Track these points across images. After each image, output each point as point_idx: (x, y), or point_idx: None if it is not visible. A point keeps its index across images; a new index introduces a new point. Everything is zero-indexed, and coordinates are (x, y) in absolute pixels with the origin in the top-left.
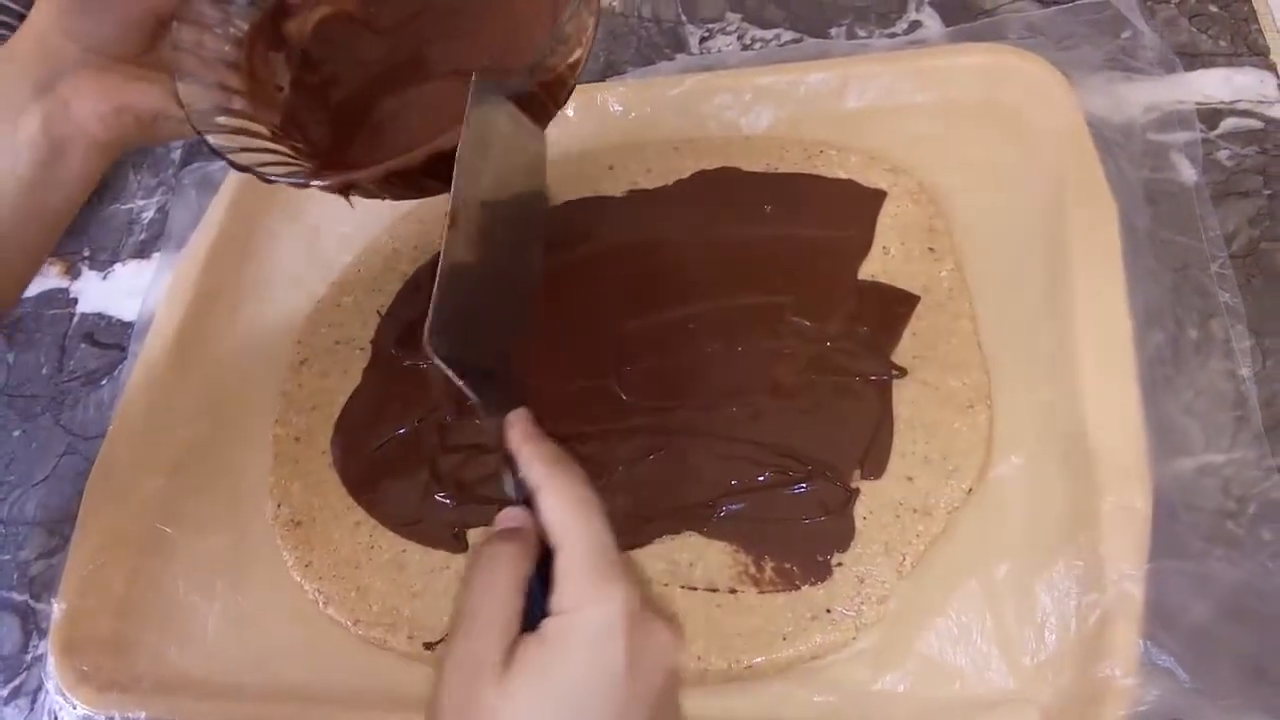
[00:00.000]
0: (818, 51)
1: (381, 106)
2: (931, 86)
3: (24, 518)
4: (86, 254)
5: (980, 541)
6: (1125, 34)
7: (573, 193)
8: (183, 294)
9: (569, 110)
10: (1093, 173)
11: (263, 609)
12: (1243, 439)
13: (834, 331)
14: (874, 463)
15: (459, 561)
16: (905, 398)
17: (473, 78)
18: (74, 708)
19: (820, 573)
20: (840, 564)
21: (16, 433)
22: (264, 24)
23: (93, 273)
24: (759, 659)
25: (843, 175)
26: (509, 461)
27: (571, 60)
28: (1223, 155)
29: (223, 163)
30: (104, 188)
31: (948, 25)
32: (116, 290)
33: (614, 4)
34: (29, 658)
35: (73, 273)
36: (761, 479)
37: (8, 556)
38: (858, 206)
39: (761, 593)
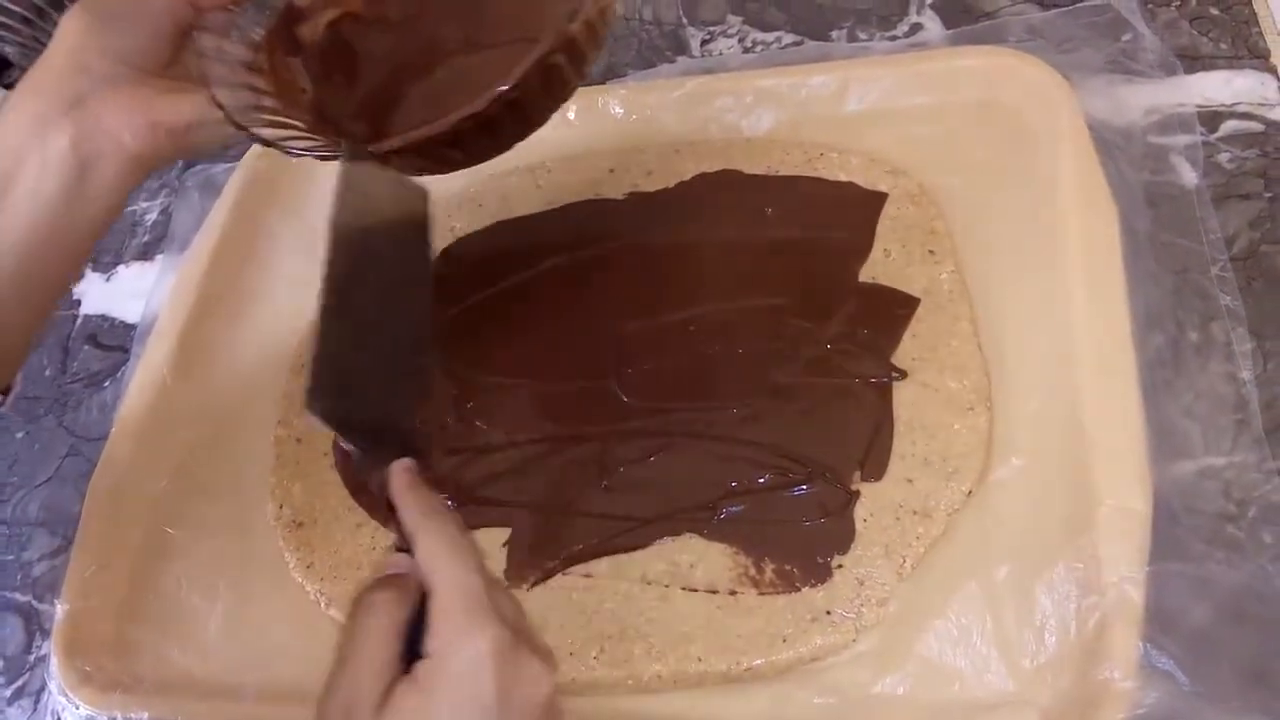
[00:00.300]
0: (819, 54)
1: (407, 92)
2: (932, 89)
3: (27, 519)
4: (90, 255)
5: (980, 544)
6: (1126, 36)
7: (573, 195)
8: (185, 296)
9: (569, 113)
10: (1093, 175)
11: (265, 610)
12: (1243, 442)
13: (834, 333)
14: (874, 465)
15: None
16: (905, 400)
17: (343, 145)
18: (77, 708)
19: (820, 575)
20: (840, 566)
21: (20, 434)
22: (278, 30)
23: (96, 274)
24: (759, 661)
25: (843, 177)
26: (391, 510)
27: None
28: (1223, 158)
29: (225, 165)
30: None
31: (948, 28)
32: (120, 292)
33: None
34: (32, 658)
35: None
36: (762, 481)
37: (11, 557)
38: (858, 208)
39: (761, 594)
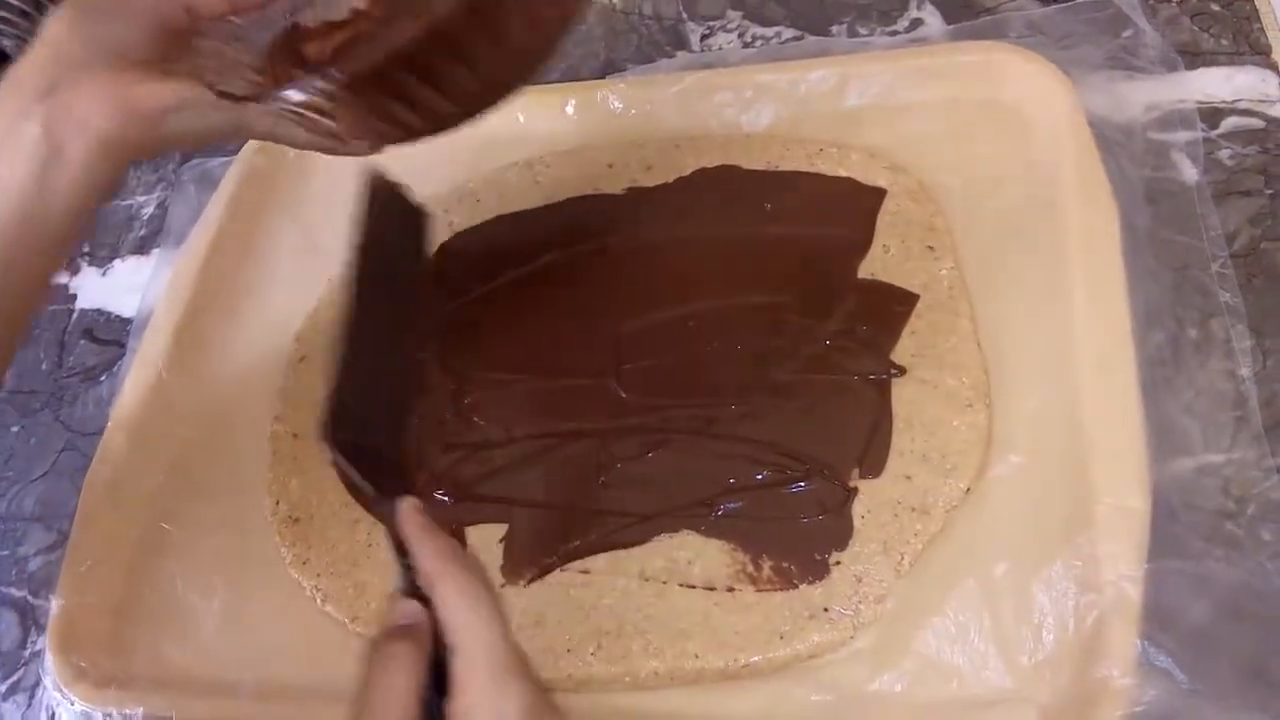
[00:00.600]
0: (819, 49)
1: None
2: (932, 85)
3: (23, 513)
4: (86, 250)
5: (978, 541)
6: (1126, 32)
7: (572, 190)
8: (182, 290)
9: (568, 107)
10: (1093, 172)
11: (261, 606)
12: (1242, 439)
13: (833, 330)
14: (872, 461)
15: None
16: (904, 396)
17: (368, 179)
18: (72, 704)
19: (818, 571)
20: (838, 563)
21: (15, 428)
22: (282, 45)
23: (92, 269)
24: (756, 658)
25: (843, 173)
26: (400, 550)
27: None
28: (1224, 154)
29: (222, 159)
30: None
31: (949, 23)
32: (116, 286)
33: (615, 1)
34: (27, 653)
35: (72, 268)
36: (760, 477)
37: (6, 552)
38: (857, 205)
39: (759, 591)
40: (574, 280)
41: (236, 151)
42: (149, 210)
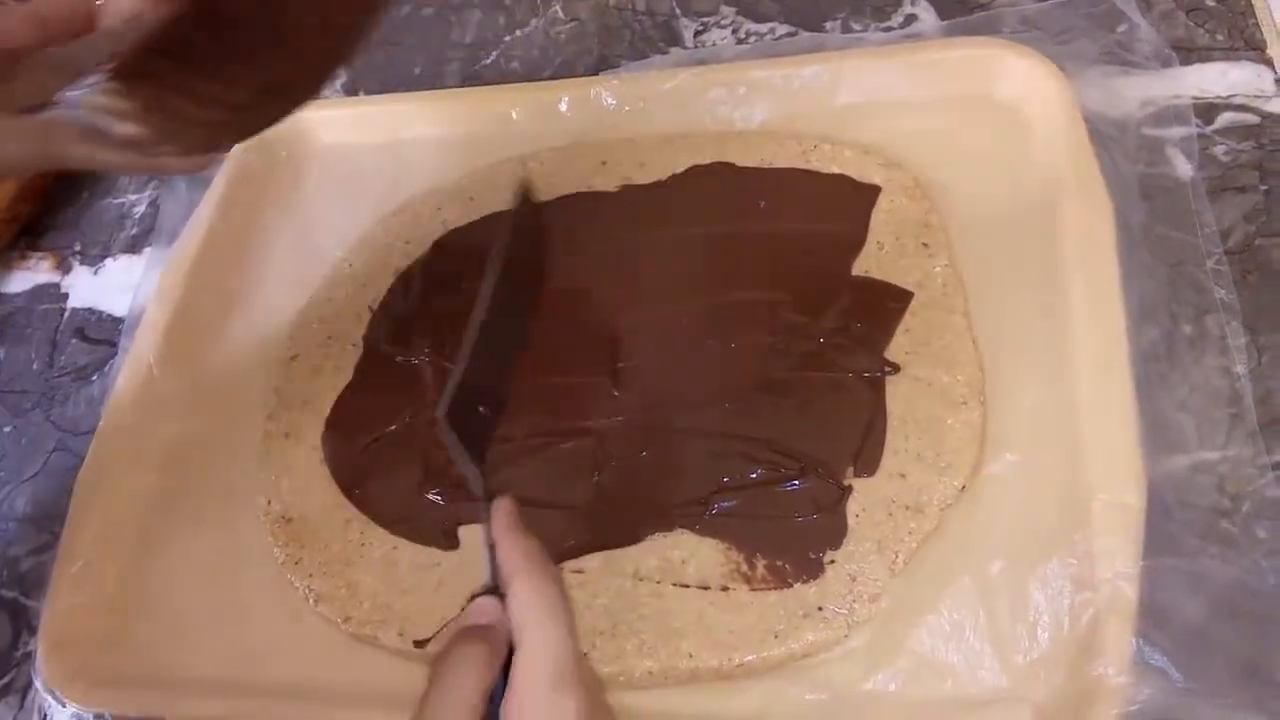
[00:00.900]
0: (812, 45)
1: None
2: (927, 81)
3: (14, 514)
4: (77, 249)
5: (973, 539)
6: (1121, 28)
7: (565, 188)
8: (173, 289)
9: (562, 104)
10: (1088, 168)
11: (253, 606)
12: (1237, 436)
13: (827, 327)
14: (867, 460)
15: (450, 559)
16: (898, 394)
17: (518, 192)
18: (63, 705)
19: (812, 570)
20: (832, 561)
21: (7, 428)
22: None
23: (84, 268)
24: (750, 657)
25: (837, 170)
26: (492, 547)
27: None
28: (1219, 150)
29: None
30: (95, 182)
31: (943, 19)
32: (107, 285)
33: None
34: (18, 654)
35: (64, 268)
36: (754, 476)
37: None
38: (852, 201)
39: (753, 590)
40: (567, 278)
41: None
42: (140, 209)
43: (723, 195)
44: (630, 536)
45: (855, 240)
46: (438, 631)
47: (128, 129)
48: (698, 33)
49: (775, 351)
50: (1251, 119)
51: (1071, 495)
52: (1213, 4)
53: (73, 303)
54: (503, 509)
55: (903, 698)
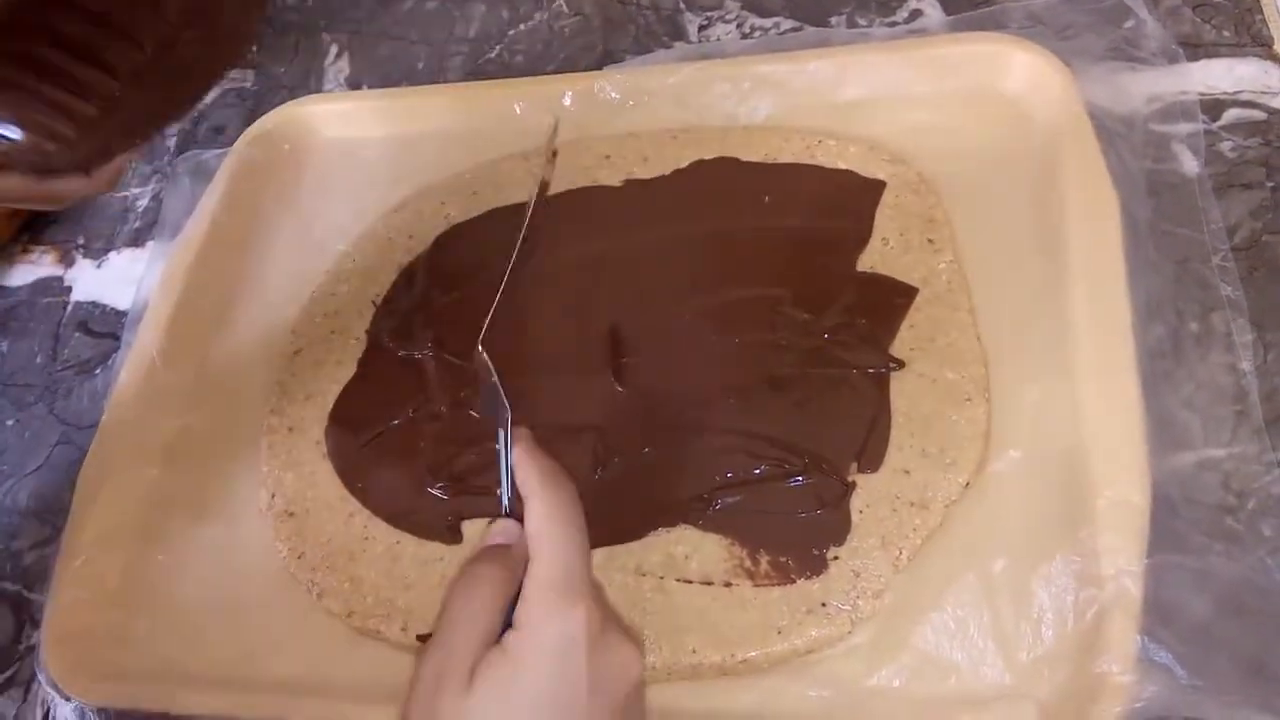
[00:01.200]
0: (817, 40)
1: None
2: (932, 76)
3: (17, 507)
4: (81, 242)
5: (977, 536)
6: (1128, 23)
7: (569, 182)
8: (176, 283)
9: (565, 98)
10: (1094, 164)
11: (256, 600)
12: (1243, 433)
13: (831, 323)
14: (871, 456)
15: (453, 553)
16: (903, 390)
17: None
18: (67, 699)
19: (816, 566)
20: (836, 558)
21: (10, 422)
22: None
23: (87, 261)
24: (754, 653)
25: (842, 165)
26: (510, 472)
27: None
28: (1225, 146)
29: (217, 151)
30: None
31: (949, 14)
32: (111, 279)
33: None
34: (21, 648)
35: (67, 261)
36: (758, 472)
37: (0, 546)
38: (857, 197)
39: (757, 586)
40: (571, 273)
41: (231, 143)
42: (144, 202)
43: (727, 190)
44: (633, 532)
45: (860, 236)
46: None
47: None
48: (702, 27)
49: (779, 347)
50: (1258, 115)
51: (1076, 492)
52: (1219, 0)
53: (76, 296)
54: (523, 434)
55: (906, 694)
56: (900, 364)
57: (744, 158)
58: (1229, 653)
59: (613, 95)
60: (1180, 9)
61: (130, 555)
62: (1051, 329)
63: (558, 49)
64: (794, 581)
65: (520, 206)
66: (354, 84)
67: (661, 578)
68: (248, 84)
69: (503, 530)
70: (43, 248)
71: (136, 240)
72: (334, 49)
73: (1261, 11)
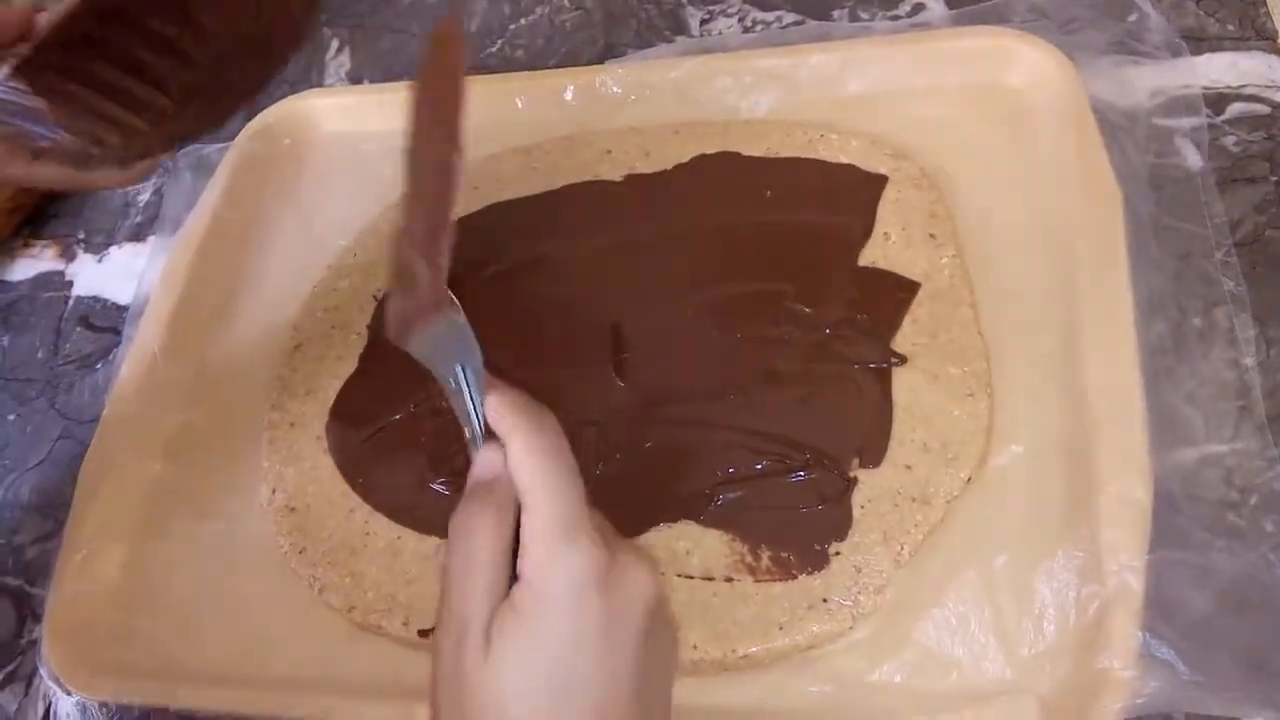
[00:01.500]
0: (819, 34)
1: None
2: (935, 70)
3: (19, 502)
4: (82, 237)
5: (979, 531)
6: (1131, 17)
7: (570, 177)
8: (177, 277)
9: (566, 93)
10: (1097, 158)
11: (257, 595)
12: (1245, 429)
13: (833, 318)
14: (872, 451)
15: None
16: (905, 385)
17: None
18: (68, 694)
19: (817, 562)
20: (838, 553)
21: (11, 417)
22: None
23: (88, 256)
24: (755, 648)
25: (844, 160)
26: (478, 411)
27: None
28: (1229, 141)
29: (218, 146)
30: None
31: (951, 8)
32: (112, 273)
33: None
34: (23, 642)
35: (68, 256)
36: (759, 467)
37: (2, 541)
38: (859, 192)
39: (758, 581)
40: (572, 268)
41: (233, 137)
42: (145, 197)
43: (729, 185)
44: (635, 527)
45: (862, 231)
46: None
47: (49, 136)
48: (704, 21)
49: (781, 342)
50: (1262, 109)
51: (1078, 487)
52: None
53: (77, 290)
54: (484, 375)
55: (908, 690)
56: (902, 359)
57: (746, 152)
58: (1231, 648)
59: (614, 90)
60: (1184, 2)
61: (132, 550)
62: (1054, 324)
63: (559, 43)
64: (795, 577)
65: (522, 201)
66: (355, 78)
67: (663, 573)
68: None
69: (485, 464)
70: (44, 242)
71: (138, 235)
72: (335, 43)
73: (1265, 5)
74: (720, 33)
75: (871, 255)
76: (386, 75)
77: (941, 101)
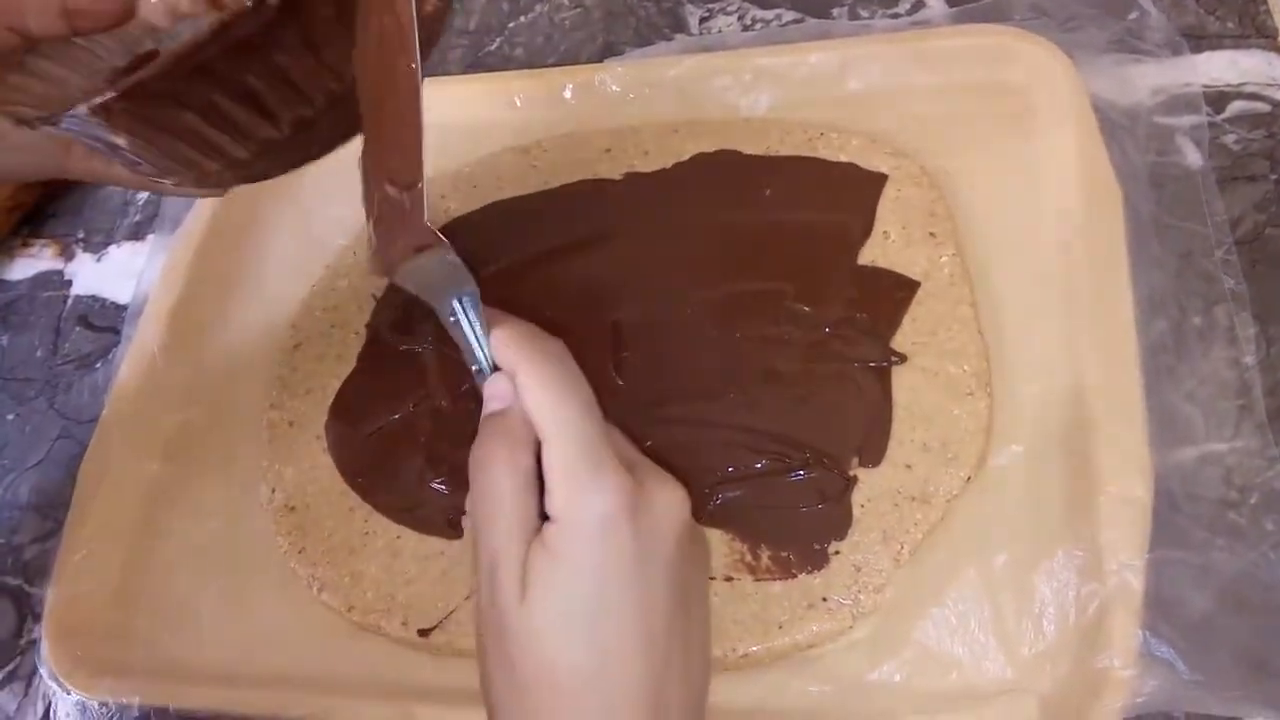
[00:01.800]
0: (819, 32)
1: None
2: (935, 68)
3: (18, 502)
4: (81, 236)
5: (979, 530)
6: (1132, 15)
7: (569, 176)
8: (177, 277)
9: (566, 91)
10: (1097, 156)
11: (256, 595)
12: (1246, 428)
13: (833, 317)
14: (872, 450)
15: (454, 548)
16: (904, 384)
17: None
18: (68, 693)
19: (817, 561)
20: (837, 552)
21: (10, 416)
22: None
23: (87, 255)
24: (755, 647)
25: (844, 158)
26: (481, 341)
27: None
28: (1229, 139)
29: None
30: None
31: (952, 6)
32: (111, 273)
33: None
34: (23, 642)
35: (67, 255)
36: (759, 466)
37: (1, 541)
38: (858, 190)
39: (757, 581)
40: (571, 267)
41: None
42: (144, 196)
43: (728, 183)
44: None
45: (861, 229)
46: (441, 621)
47: (134, 162)
48: (703, 19)
49: (780, 341)
50: (1262, 108)
51: (1078, 487)
52: None
53: (76, 290)
54: (485, 307)
55: (907, 689)
56: (902, 358)
57: (745, 150)
58: (1231, 648)
59: (613, 88)
60: (1184, 0)
61: (131, 549)
62: (1053, 323)
63: (558, 41)
64: (795, 576)
65: (521, 199)
66: None
67: None
68: None
69: (495, 394)
70: (43, 241)
71: (137, 234)
72: None
73: (1266, 3)
74: (720, 31)
75: (871, 254)
76: None
77: (941, 100)
